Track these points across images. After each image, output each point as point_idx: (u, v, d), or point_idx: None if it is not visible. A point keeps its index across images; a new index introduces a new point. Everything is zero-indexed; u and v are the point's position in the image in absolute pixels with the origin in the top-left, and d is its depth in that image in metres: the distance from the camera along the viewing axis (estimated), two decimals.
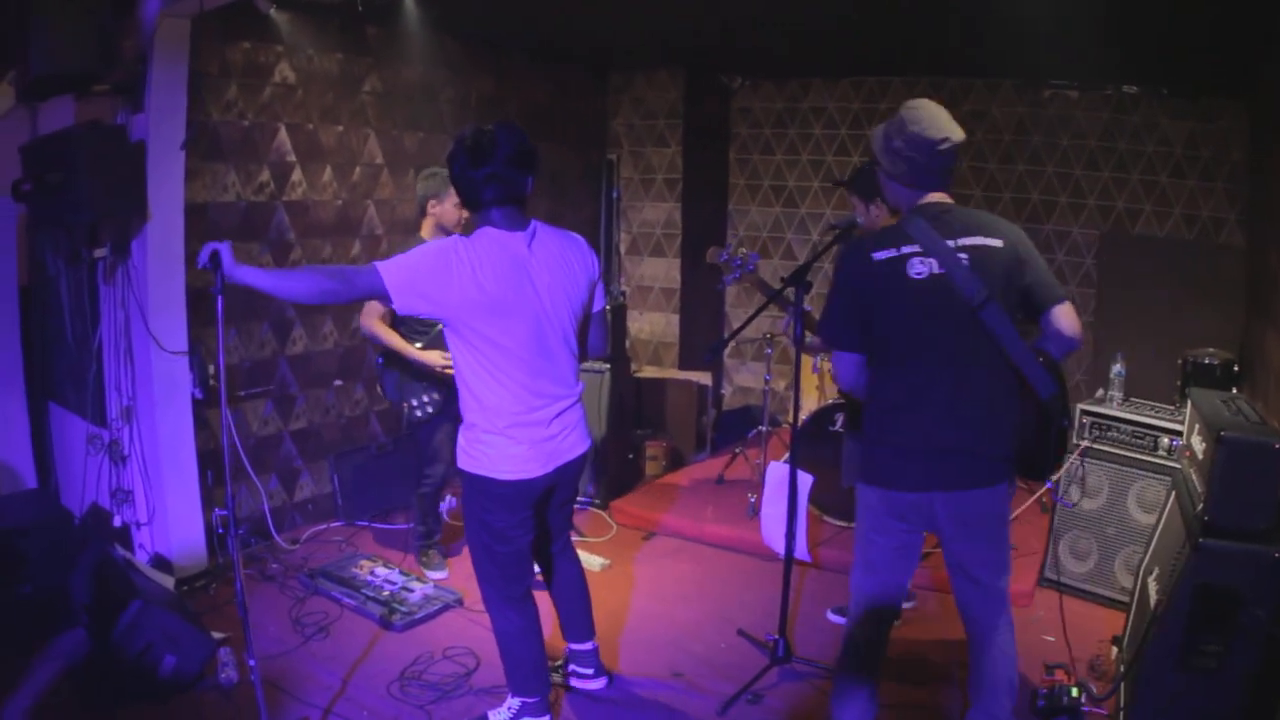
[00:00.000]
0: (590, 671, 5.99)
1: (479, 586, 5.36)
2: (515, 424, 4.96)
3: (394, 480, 8.64)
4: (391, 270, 4.64)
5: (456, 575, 7.54)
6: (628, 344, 11.22)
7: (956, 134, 4.59)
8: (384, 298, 4.66)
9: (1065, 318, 4.58)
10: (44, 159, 6.59)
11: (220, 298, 4.53)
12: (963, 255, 4.48)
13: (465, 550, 6.70)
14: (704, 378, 10.58)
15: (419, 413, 7.10)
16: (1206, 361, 6.91)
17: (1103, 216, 9.89)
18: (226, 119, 7.45)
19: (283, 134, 7.83)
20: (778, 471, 6.72)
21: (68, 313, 7.54)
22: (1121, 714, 5.40)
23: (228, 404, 7.01)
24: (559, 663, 6.02)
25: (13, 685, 5.67)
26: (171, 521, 7.19)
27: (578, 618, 5.93)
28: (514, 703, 5.43)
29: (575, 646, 5.97)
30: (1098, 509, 7.08)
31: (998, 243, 4.56)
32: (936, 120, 4.60)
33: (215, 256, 4.45)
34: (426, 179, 7.01)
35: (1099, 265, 9.65)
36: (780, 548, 6.27)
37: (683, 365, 11.71)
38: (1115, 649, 6.26)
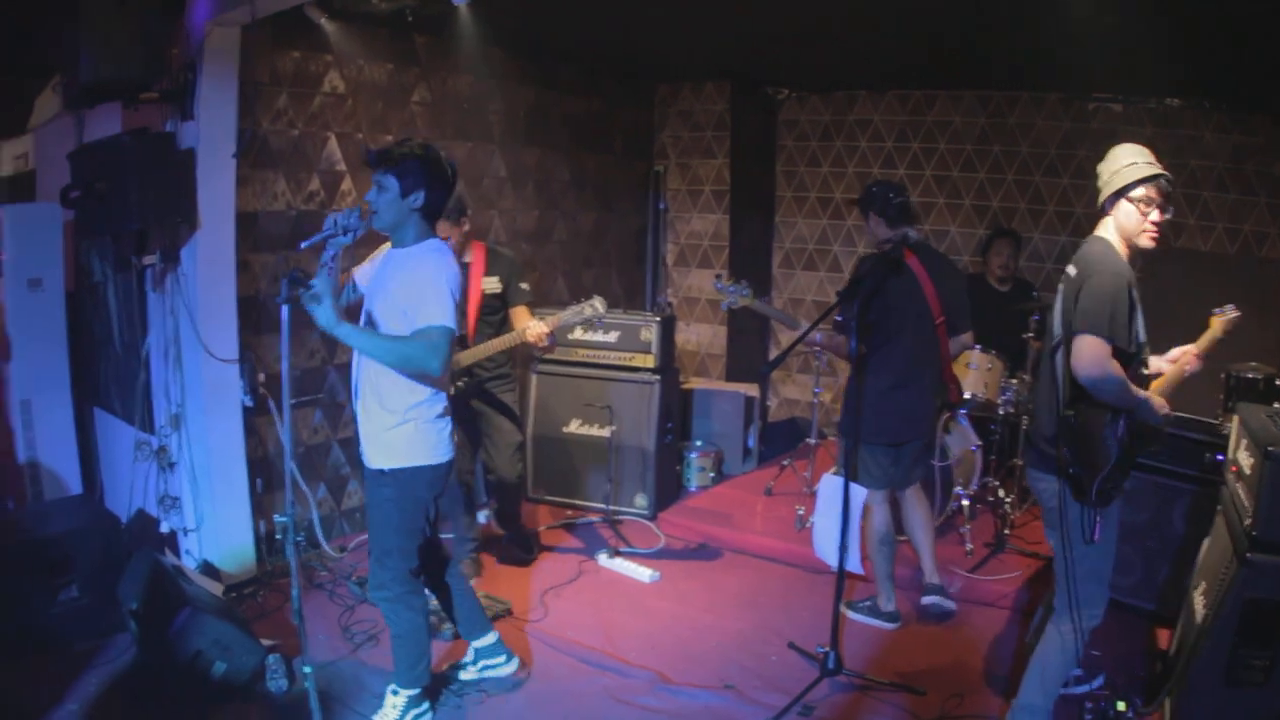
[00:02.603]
0: (503, 658, 6.06)
1: (393, 582, 5.36)
2: (446, 406, 5.36)
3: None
4: (452, 313, 5.01)
5: (498, 583, 7.57)
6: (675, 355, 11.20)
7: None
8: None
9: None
10: (92, 166, 6.62)
11: (285, 308, 4.59)
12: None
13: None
14: (751, 390, 10.53)
15: None
16: (1250, 376, 6.83)
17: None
18: (276, 127, 7.48)
19: (333, 143, 7.85)
20: (830, 484, 6.67)
21: (115, 319, 7.56)
22: None
23: (277, 412, 7.05)
24: (465, 661, 6.10)
25: (60, 688, 5.69)
26: (220, 528, 7.20)
27: (478, 613, 6.06)
28: (412, 693, 5.54)
29: (482, 642, 6.05)
30: (1143, 522, 7.00)
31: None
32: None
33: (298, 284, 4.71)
34: None
35: (1141, 279, 9.54)
36: (832, 560, 6.22)
37: (730, 377, 11.69)
38: (1161, 663, 6.19)
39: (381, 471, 5.28)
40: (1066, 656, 5.26)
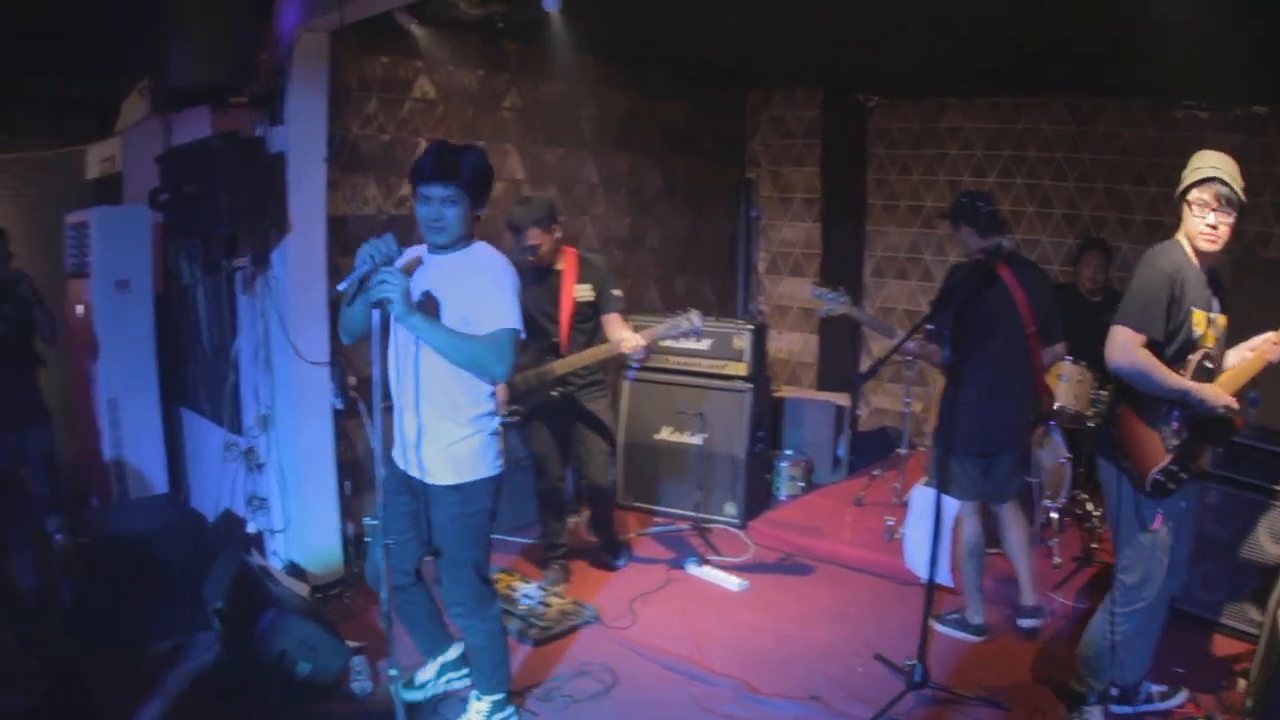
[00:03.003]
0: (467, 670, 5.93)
1: (469, 597, 5.35)
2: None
3: (530, 493, 8.62)
4: (519, 315, 4.99)
5: (587, 589, 7.58)
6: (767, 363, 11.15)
7: None
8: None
9: None
10: (181, 169, 6.69)
11: (376, 311, 4.61)
12: None
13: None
14: (842, 399, 10.48)
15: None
16: None
17: (1233, 237, 9.61)
18: (367, 132, 7.52)
19: (423, 148, 7.83)
20: (922, 495, 6.61)
21: (204, 321, 7.63)
22: None
23: (368, 415, 7.07)
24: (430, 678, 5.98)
25: (146, 684, 5.75)
26: (308, 529, 7.26)
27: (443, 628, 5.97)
28: (496, 698, 5.50)
29: (451, 656, 5.99)
30: (1229, 537, 6.87)
31: None
32: None
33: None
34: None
35: (1233, 290, 9.42)
36: (922, 571, 6.17)
37: (821, 386, 11.62)
38: (1242, 681, 6.08)
39: (450, 487, 5.17)
40: (1098, 627, 5.53)
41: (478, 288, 4.93)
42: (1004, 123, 10.99)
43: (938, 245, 11.58)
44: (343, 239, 7.28)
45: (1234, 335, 5.11)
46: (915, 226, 11.75)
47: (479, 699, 5.49)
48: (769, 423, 9.80)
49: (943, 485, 6.40)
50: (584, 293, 7.22)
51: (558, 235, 7.09)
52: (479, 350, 4.84)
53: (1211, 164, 5.16)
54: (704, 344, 8.92)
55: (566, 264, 7.21)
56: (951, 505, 6.50)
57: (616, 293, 7.29)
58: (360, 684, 5.87)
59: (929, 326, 6.62)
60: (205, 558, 6.53)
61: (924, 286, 11.44)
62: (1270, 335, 5.09)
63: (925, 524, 6.15)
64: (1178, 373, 5.10)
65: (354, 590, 7.29)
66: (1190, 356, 5.10)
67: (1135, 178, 10.11)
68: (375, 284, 4.59)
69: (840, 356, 12.04)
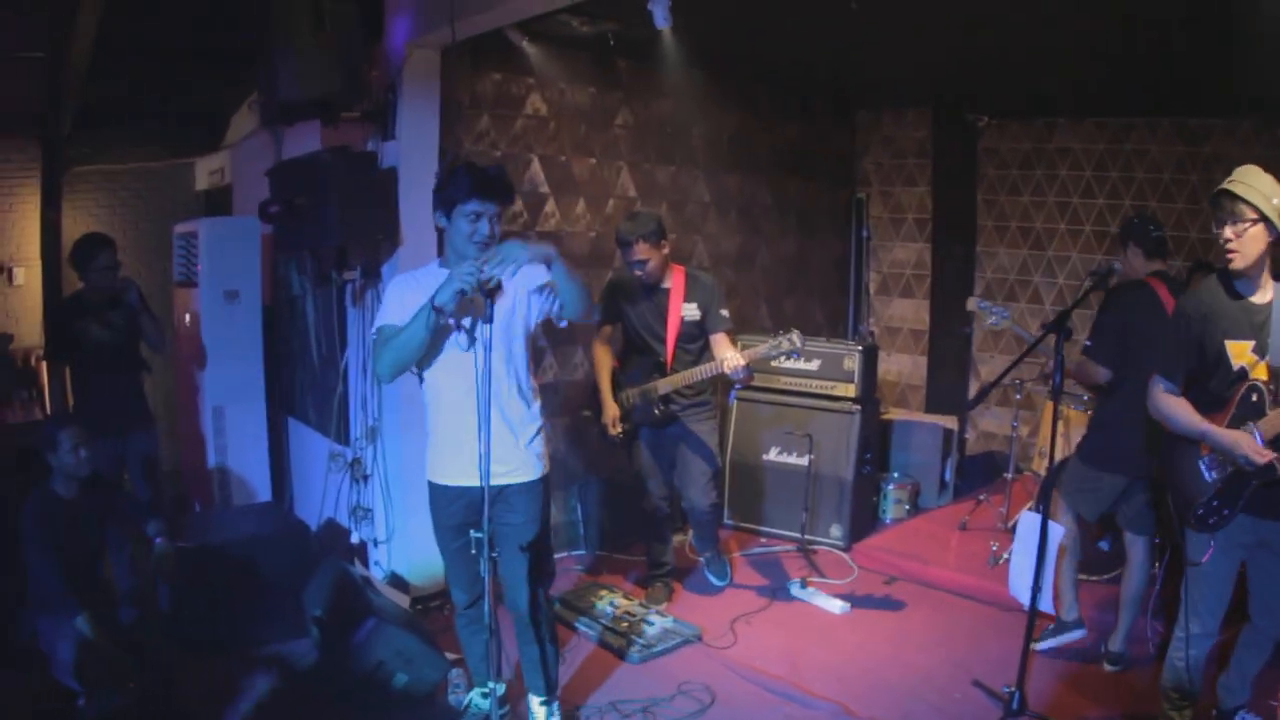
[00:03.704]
0: None
1: (545, 601, 5.48)
2: None
3: (637, 511, 8.64)
4: None
5: (689, 609, 7.59)
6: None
7: None
8: None
9: None
10: (292, 182, 6.79)
11: (482, 324, 4.64)
12: None
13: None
14: (950, 422, 10.41)
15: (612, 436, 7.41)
16: None
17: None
18: (479, 149, 7.57)
19: (535, 165, 7.94)
20: (1029, 521, 6.55)
21: (314, 332, 7.72)
22: None
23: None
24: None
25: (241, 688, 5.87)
26: (411, 542, 7.29)
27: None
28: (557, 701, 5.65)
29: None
30: None
31: None
32: None
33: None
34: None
35: None
36: (1025, 598, 6.11)
37: (929, 408, 11.56)
38: None
39: (535, 481, 5.28)
40: (1172, 660, 5.55)
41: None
42: (1112, 143, 10.87)
43: (1047, 267, 11.45)
44: None
45: None
46: (1025, 248, 11.61)
47: (547, 704, 5.59)
48: (876, 445, 9.74)
49: (1073, 499, 6.74)
50: (691, 312, 7.22)
51: (666, 252, 7.11)
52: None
53: (1229, 179, 5.13)
54: (813, 364, 8.89)
55: (674, 282, 7.23)
56: (1057, 531, 6.42)
57: (724, 313, 7.26)
58: (457, 696, 5.90)
59: (1088, 341, 6.67)
60: (306, 566, 6.61)
61: (1033, 309, 11.29)
62: None
63: (1030, 550, 6.09)
64: (1222, 408, 5.08)
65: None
66: (1238, 389, 5.07)
67: None
68: (498, 264, 4.64)
69: (949, 379, 11.95)
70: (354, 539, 7.48)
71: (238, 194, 9.05)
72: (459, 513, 5.24)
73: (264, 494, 8.17)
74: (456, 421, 5.11)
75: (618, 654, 6.70)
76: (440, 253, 5.33)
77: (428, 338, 4.81)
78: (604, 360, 7.43)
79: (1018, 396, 9.51)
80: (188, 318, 8.24)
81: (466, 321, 4.94)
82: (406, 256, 6.93)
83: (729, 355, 6.73)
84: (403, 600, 6.91)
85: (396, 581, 7.25)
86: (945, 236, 11.67)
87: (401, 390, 7.04)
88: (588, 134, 8.41)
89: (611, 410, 7.30)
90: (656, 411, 7.18)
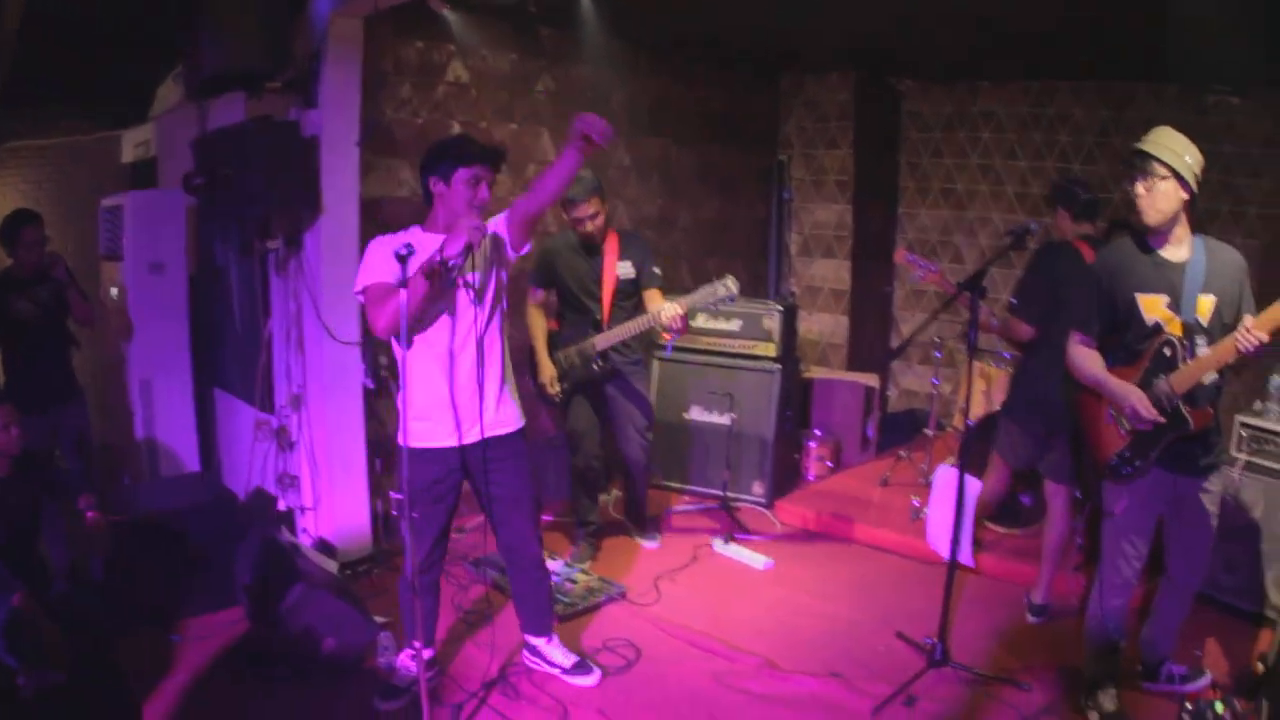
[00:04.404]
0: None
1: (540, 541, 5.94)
2: None
3: (561, 473, 8.73)
4: None
5: (614, 567, 7.73)
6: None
7: None
8: None
9: None
10: (216, 153, 6.81)
11: (404, 290, 4.72)
12: None
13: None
14: (871, 380, 10.54)
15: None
16: None
17: (1264, 227, 9.65)
18: (400, 116, 7.61)
19: (456, 131, 7.94)
20: (945, 475, 6.70)
21: (237, 302, 7.74)
22: None
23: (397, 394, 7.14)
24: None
25: (172, 660, 5.89)
26: (337, 507, 7.35)
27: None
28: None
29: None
30: (1249, 522, 6.93)
31: None
32: None
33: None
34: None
35: (1259, 277, 9.43)
36: (945, 551, 6.26)
37: (850, 367, 11.67)
38: (1260, 665, 6.14)
39: (519, 431, 5.63)
40: (1092, 611, 5.73)
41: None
42: (1035, 106, 11.01)
43: (969, 228, 11.62)
44: (376, 221, 7.35)
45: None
46: (947, 209, 11.78)
47: (552, 639, 5.99)
48: (798, 403, 9.91)
49: (1001, 451, 6.91)
50: (625, 269, 7.37)
51: (607, 209, 7.31)
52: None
53: (1142, 138, 5.29)
54: (734, 324, 8.98)
55: (608, 243, 7.39)
56: (975, 485, 6.59)
57: (656, 270, 7.45)
58: (386, 659, 5.95)
59: (1013, 300, 6.85)
60: (235, 535, 6.62)
61: (955, 269, 11.43)
62: (1246, 319, 5.02)
63: (948, 504, 6.25)
64: (1136, 361, 5.25)
65: (383, 567, 7.41)
66: (1152, 343, 5.22)
67: None
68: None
69: (870, 338, 12.10)
70: (281, 506, 7.50)
71: (163, 166, 9.01)
72: (432, 472, 5.41)
73: (192, 464, 8.18)
74: (436, 382, 5.29)
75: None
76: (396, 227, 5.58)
77: (429, 292, 4.94)
78: (539, 322, 7.55)
79: (938, 355, 9.64)
80: (114, 291, 8.23)
81: (471, 278, 5.18)
82: (328, 225, 6.97)
83: (665, 305, 6.85)
84: (330, 566, 6.92)
85: (324, 547, 7.28)
86: (867, 198, 11.76)
87: (325, 357, 7.10)
88: (509, 101, 8.44)
89: (548, 370, 7.43)
90: (595, 367, 7.30)
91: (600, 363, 7.31)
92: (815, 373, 10.92)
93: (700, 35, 9.69)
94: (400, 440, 5.32)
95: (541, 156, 8.72)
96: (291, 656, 5.76)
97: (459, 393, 5.29)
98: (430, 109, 7.80)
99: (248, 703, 5.59)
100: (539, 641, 6.03)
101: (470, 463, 5.41)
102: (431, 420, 5.33)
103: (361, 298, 5.22)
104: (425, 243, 5.12)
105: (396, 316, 4.86)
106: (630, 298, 7.40)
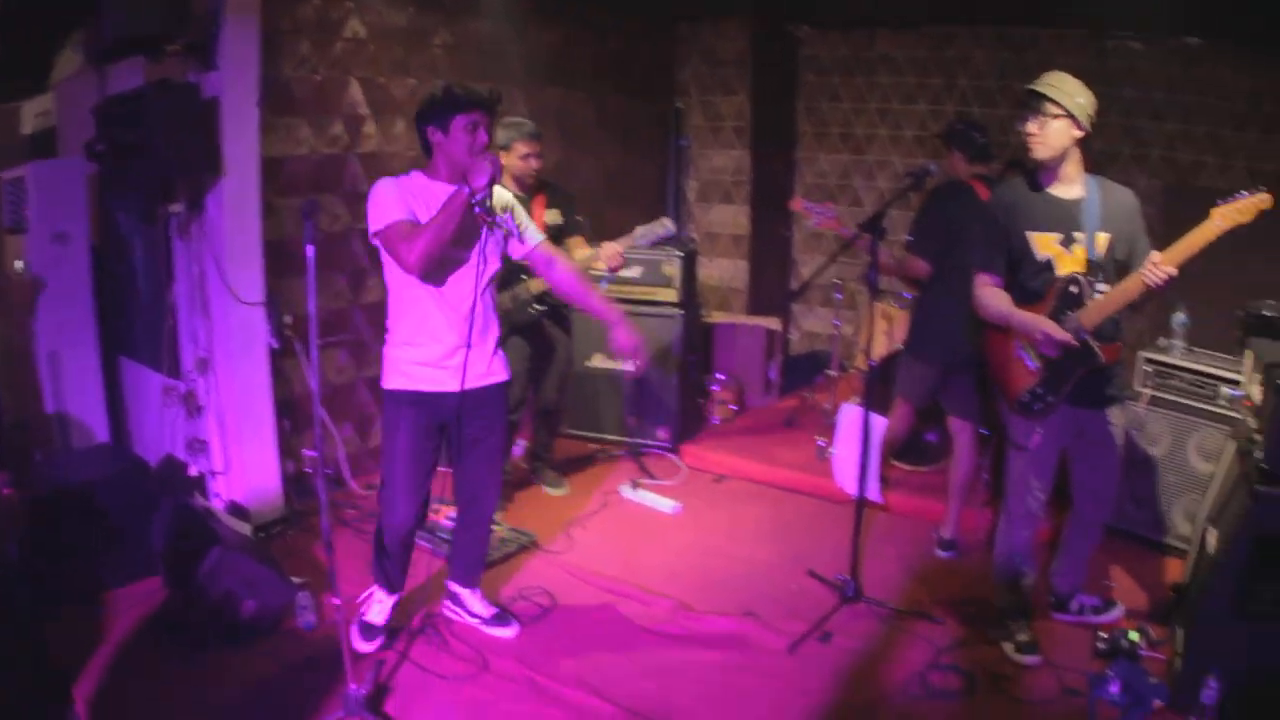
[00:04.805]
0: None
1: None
2: None
3: None
4: None
5: (523, 516, 7.77)
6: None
7: None
8: None
9: None
10: (117, 119, 6.72)
11: (311, 247, 4.66)
12: None
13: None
14: (772, 323, 10.64)
15: None
16: (1266, 313, 6.90)
17: (1166, 168, 9.86)
18: (299, 74, 7.54)
19: (354, 87, 7.92)
20: (851, 414, 6.82)
21: (141, 269, 7.67)
22: (1178, 659, 5.49)
23: (303, 353, 7.16)
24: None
25: (94, 633, 5.85)
26: (248, 470, 7.33)
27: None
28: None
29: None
30: (1158, 456, 7.14)
31: None
32: None
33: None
34: (499, 128, 7.28)
35: (1163, 217, 9.63)
36: (853, 489, 6.39)
37: (751, 310, 11.80)
38: (1174, 594, 6.33)
39: (505, 383, 5.77)
40: (1000, 545, 5.95)
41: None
42: (934, 50, 11.15)
43: (867, 171, 11.76)
44: (277, 180, 7.37)
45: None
46: (845, 153, 11.88)
47: (475, 590, 6.18)
48: (700, 348, 9.99)
49: (903, 388, 7.11)
50: (553, 217, 7.50)
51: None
52: None
53: (1035, 81, 5.40)
54: (634, 272, 9.03)
55: (536, 193, 7.51)
56: (880, 423, 6.72)
57: (580, 218, 7.64)
58: (305, 619, 5.97)
59: (909, 238, 7.03)
60: (149, 503, 6.57)
61: (854, 212, 11.48)
62: (1153, 254, 5.14)
63: (854, 442, 6.37)
64: (1040, 301, 5.38)
65: (296, 528, 7.39)
66: (1056, 281, 5.36)
67: None
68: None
69: (771, 282, 12.22)
70: (192, 472, 7.45)
71: (64, 135, 8.85)
72: (428, 416, 5.47)
73: (103, 435, 8.10)
74: (442, 326, 5.34)
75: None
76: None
77: (458, 228, 4.99)
78: None
79: (838, 296, 9.76)
80: (19, 264, 8.15)
81: (503, 219, 5.30)
82: (230, 187, 6.91)
83: (606, 246, 7.02)
84: (244, 529, 6.94)
85: (237, 510, 7.26)
86: (764, 144, 11.83)
87: (230, 319, 7.07)
88: (406, 55, 8.38)
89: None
90: (531, 310, 7.36)
91: (536, 306, 7.35)
92: (717, 317, 10.99)
93: None
94: (397, 385, 5.44)
95: None
96: (212, 622, 5.74)
97: (461, 340, 5.36)
98: (328, 66, 7.75)
99: (173, 671, 5.55)
100: (465, 592, 6.12)
101: (462, 409, 5.46)
102: (436, 365, 5.38)
103: (377, 240, 5.19)
104: (432, 189, 5.23)
105: (430, 246, 4.94)
106: (558, 244, 7.43)
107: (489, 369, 5.57)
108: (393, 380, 5.45)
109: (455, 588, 6.14)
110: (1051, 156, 5.30)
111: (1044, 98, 5.22)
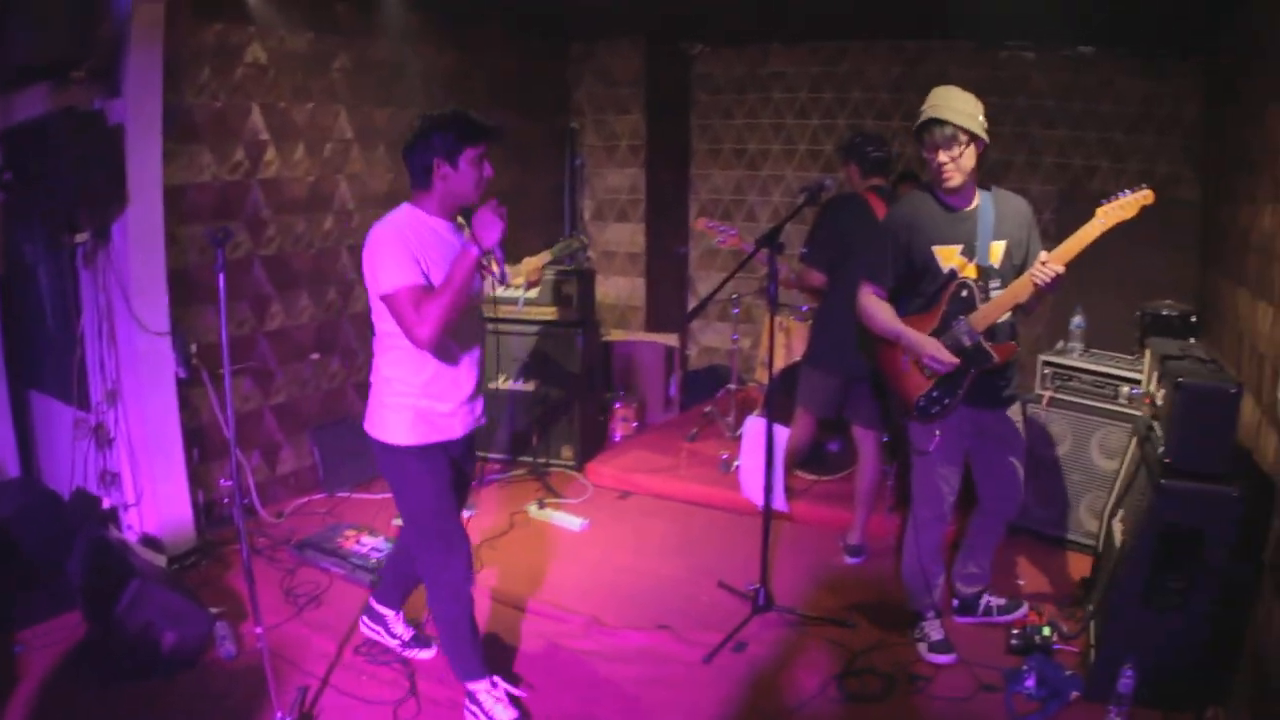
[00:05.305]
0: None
1: None
2: None
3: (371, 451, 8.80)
4: None
5: None
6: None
7: None
8: None
9: None
10: (23, 147, 6.66)
11: (222, 275, 4.67)
12: None
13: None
14: (670, 339, 10.74)
15: None
16: (1164, 313, 7.11)
17: (1060, 173, 10.12)
18: (200, 101, 7.51)
19: (255, 114, 7.91)
20: (754, 426, 6.92)
21: (48, 300, 7.59)
22: (1091, 650, 5.65)
23: (211, 382, 7.14)
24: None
25: (12, 672, 5.77)
26: (160, 501, 7.27)
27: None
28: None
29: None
30: (1061, 456, 7.34)
31: None
32: None
33: None
34: None
35: (1057, 221, 9.86)
36: (759, 500, 6.49)
37: (650, 328, 11.89)
38: (1083, 589, 6.51)
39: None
40: (908, 549, 6.09)
41: None
42: (827, 66, 11.33)
43: (761, 187, 11.93)
44: (179, 208, 7.33)
45: (1068, 266, 5.39)
46: (739, 169, 12.04)
47: (399, 613, 6.08)
48: (600, 366, 10.08)
49: (805, 402, 7.22)
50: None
51: None
52: None
53: (930, 104, 5.48)
54: (532, 292, 9.08)
55: None
56: (783, 434, 6.83)
57: None
58: (226, 649, 5.92)
59: (804, 250, 7.18)
60: (64, 538, 6.51)
61: (749, 227, 11.67)
62: (1041, 254, 5.33)
63: (758, 453, 6.48)
64: (933, 307, 5.55)
65: (208, 558, 7.31)
66: (948, 287, 5.52)
67: None
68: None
69: (668, 299, 12.33)
70: (105, 505, 7.37)
71: None
72: (444, 462, 5.19)
73: (13, 470, 8.02)
74: (463, 373, 5.12)
75: (371, 588, 6.65)
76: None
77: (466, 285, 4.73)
78: None
79: (735, 311, 9.89)
80: None
81: (498, 265, 4.93)
82: (134, 215, 6.86)
83: (528, 259, 6.89)
84: (159, 560, 6.90)
85: (150, 543, 7.20)
86: (659, 162, 11.93)
87: (138, 349, 7.02)
88: (306, 80, 8.39)
89: None
90: None
91: None
92: (615, 335, 11.08)
93: (493, 4, 9.76)
94: (421, 438, 5.05)
95: (339, 135, 8.69)
96: (133, 655, 5.67)
97: (472, 383, 5.19)
98: (229, 92, 7.72)
99: (96, 706, 5.49)
100: (389, 613, 5.99)
101: (461, 452, 5.32)
102: (453, 414, 5.12)
103: (385, 304, 4.79)
104: (431, 228, 4.94)
105: (444, 318, 4.66)
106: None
107: (480, 406, 5.36)
108: (414, 434, 5.03)
109: (382, 608, 5.99)
110: (965, 180, 5.44)
111: (946, 124, 5.33)
